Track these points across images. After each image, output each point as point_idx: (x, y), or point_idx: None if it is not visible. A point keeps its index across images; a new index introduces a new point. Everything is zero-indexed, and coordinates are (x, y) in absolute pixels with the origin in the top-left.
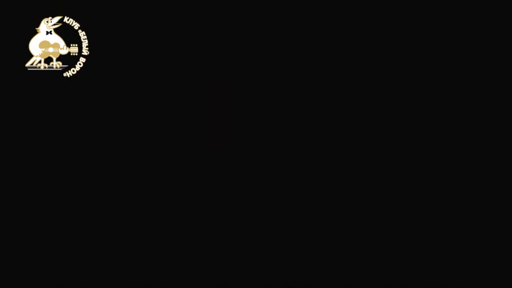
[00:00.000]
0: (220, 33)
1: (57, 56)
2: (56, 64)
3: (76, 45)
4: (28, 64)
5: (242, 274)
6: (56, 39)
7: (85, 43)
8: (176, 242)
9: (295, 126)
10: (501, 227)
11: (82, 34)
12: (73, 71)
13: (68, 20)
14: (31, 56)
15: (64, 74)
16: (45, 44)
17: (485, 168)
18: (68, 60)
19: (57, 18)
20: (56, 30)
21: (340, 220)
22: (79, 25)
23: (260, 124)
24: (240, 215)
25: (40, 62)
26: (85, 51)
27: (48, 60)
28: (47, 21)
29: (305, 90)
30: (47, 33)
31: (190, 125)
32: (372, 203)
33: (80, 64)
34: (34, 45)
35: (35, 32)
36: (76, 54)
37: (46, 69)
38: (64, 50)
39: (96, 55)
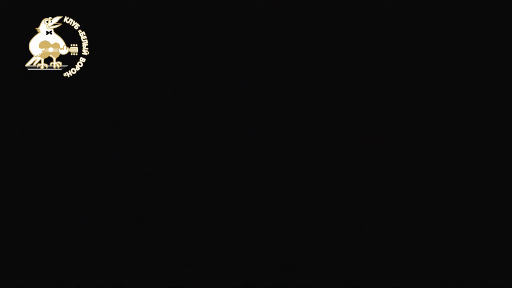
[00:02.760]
0: (220, 31)
1: (57, 56)
2: (56, 64)
3: (76, 45)
4: (28, 64)
5: (241, 274)
6: (56, 39)
7: (85, 43)
8: (175, 242)
9: (294, 126)
10: (501, 227)
11: (82, 34)
12: (73, 71)
13: (68, 20)
14: (31, 56)
15: (64, 74)
16: (45, 44)
17: (486, 168)
18: (68, 60)
19: (57, 18)
20: (56, 30)
21: (340, 220)
22: (79, 25)
23: (259, 125)
24: (239, 215)
25: (40, 62)
26: (85, 51)
27: (48, 60)
28: (47, 21)
29: (304, 91)
30: (47, 33)
31: (190, 125)
32: (372, 203)
33: (80, 64)
34: (34, 45)
35: (35, 32)
36: (76, 54)
37: (46, 69)
38: (64, 50)
39: (96, 55)
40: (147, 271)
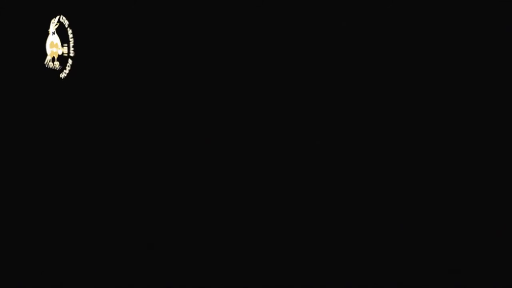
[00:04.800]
0: (204, 33)
1: (57, 56)
2: (56, 64)
3: (66, 45)
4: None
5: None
6: (57, 39)
7: (71, 43)
8: (175, 242)
9: (294, 126)
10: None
11: (70, 34)
12: (65, 71)
13: (63, 19)
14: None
15: (61, 75)
16: (52, 44)
17: (485, 168)
18: (62, 60)
19: (57, 18)
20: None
21: (339, 219)
22: (68, 24)
23: (259, 124)
24: (238, 215)
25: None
26: (71, 52)
27: (53, 60)
28: (53, 22)
29: (304, 91)
30: (53, 33)
31: (187, 124)
32: (372, 203)
33: (69, 64)
34: (47, 45)
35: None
36: (67, 54)
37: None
38: (60, 50)
39: (81, 56)
40: (147, 271)
